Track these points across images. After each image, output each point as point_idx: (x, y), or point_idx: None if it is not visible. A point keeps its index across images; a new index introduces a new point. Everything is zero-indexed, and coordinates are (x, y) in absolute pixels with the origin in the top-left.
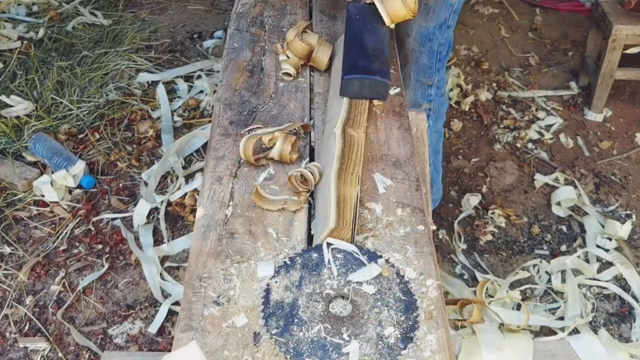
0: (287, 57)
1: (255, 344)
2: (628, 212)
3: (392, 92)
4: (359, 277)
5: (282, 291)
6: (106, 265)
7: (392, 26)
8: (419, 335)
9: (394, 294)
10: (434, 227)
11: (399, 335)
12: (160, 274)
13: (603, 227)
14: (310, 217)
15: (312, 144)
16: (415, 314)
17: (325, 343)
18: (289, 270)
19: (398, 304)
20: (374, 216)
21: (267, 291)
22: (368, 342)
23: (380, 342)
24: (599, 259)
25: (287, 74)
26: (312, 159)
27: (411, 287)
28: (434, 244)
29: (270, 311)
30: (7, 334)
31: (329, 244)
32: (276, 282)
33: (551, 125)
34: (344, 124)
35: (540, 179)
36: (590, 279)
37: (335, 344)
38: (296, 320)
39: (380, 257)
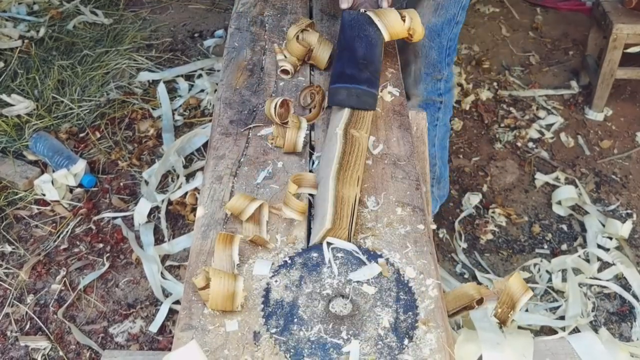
0: (285, 56)
1: (255, 343)
2: (629, 211)
3: (392, 91)
4: (359, 277)
5: (282, 290)
6: (107, 264)
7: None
8: (419, 334)
9: (393, 293)
10: (434, 227)
11: (398, 335)
12: (161, 273)
13: (604, 226)
14: (310, 216)
15: (313, 142)
16: (415, 313)
17: (325, 342)
18: (289, 270)
19: (398, 304)
20: (374, 215)
21: (267, 290)
22: (368, 341)
23: (380, 342)
24: (599, 258)
25: (284, 71)
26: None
27: (411, 287)
28: (434, 243)
29: (270, 310)
30: (8, 333)
31: (329, 244)
32: (276, 281)
33: (552, 125)
34: (347, 124)
35: (540, 178)
36: (590, 278)
37: (335, 343)
38: (296, 319)
39: (380, 256)
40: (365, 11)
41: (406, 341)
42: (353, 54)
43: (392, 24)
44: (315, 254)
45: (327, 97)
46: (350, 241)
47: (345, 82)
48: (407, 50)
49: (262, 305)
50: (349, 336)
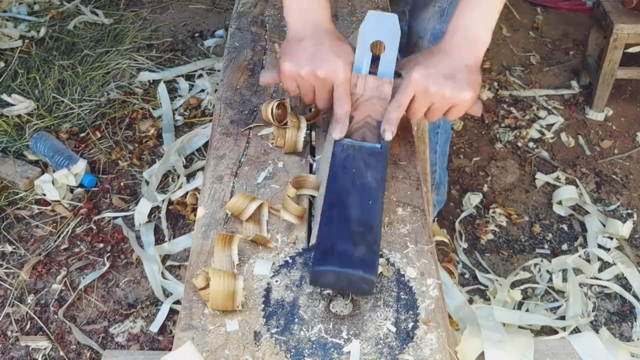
0: None
1: (255, 343)
2: (629, 211)
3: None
4: None
5: (283, 290)
6: (107, 264)
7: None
8: (419, 334)
9: (394, 293)
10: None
11: (399, 335)
12: (162, 273)
13: (604, 226)
14: (311, 216)
15: (313, 143)
16: (415, 313)
17: (325, 342)
18: (289, 270)
19: (398, 303)
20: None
21: (268, 290)
22: (368, 341)
23: (381, 342)
24: (600, 258)
25: None
26: (313, 157)
27: (412, 286)
28: (434, 243)
29: (271, 310)
30: (9, 333)
31: None
32: (277, 281)
33: (552, 125)
34: None
35: (541, 178)
36: (591, 278)
37: (336, 343)
38: (297, 319)
39: (381, 256)
40: (363, 143)
41: (407, 341)
42: (345, 216)
43: None
44: None
45: (310, 277)
46: None
47: (333, 264)
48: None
49: (263, 305)
50: (349, 336)
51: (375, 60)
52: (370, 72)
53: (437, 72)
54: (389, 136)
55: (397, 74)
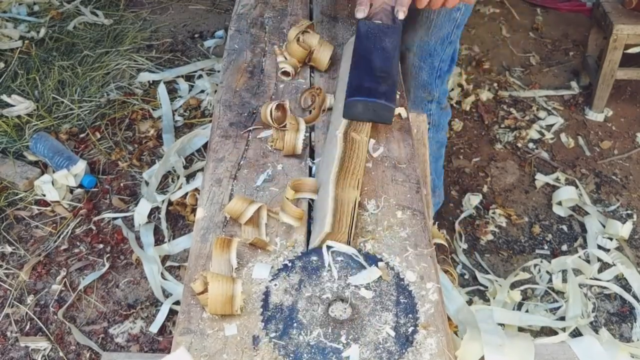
0: (285, 58)
1: (254, 348)
2: (629, 211)
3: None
4: (359, 280)
5: (282, 294)
6: (107, 265)
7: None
8: (419, 338)
9: (393, 297)
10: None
11: (398, 339)
12: (161, 274)
13: (604, 226)
14: (310, 219)
15: (313, 144)
16: (415, 318)
17: (324, 347)
18: (288, 273)
19: (398, 307)
20: (374, 219)
21: (267, 294)
22: (367, 345)
23: (380, 346)
24: (599, 259)
25: (285, 72)
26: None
27: (411, 290)
28: (434, 247)
29: (270, 314)
30: (8, 334)
31: (329, 247)
32: (275, 285)
33: (552, 125)
34: (347, 127)
35: (541, 179)
36: (591, 278)
37: (335, 347)
38: (295, 323)
39: (380, 260)
40: (381, 23)
41: (406, 346)
42: (370, 66)
43: None
44: (314, 258)
45: (343, 109)
46: (349, 245)
47: (363, 95)
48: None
49: (262, 309)
50: (348, 340)
51: None
52: None
53: None
54: (401, 15)
55: None
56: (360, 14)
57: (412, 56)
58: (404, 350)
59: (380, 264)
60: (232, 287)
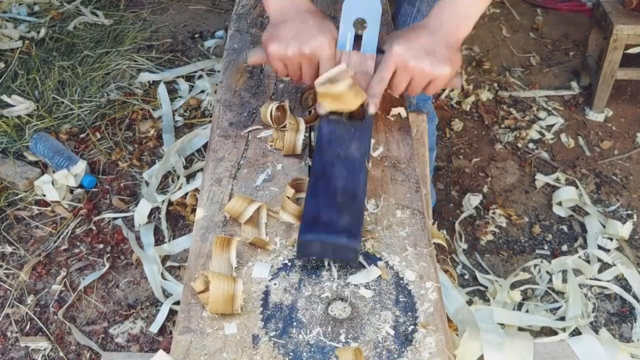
0: None
1: (254, 347)
2: (629, 212)
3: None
4: (359, 280)
5: (281, 293)
6: (107, 265)
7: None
8: (418, 337)
9: (393, 296)
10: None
11: (398, 338)
12: (162, 274)
13: (604, 227)
14: None
15: (312, 144)
16: (414, 317)
17: (324, 346)
18: (288, 273)
19: (397, 307)
20: (374, 218)
21: (266, 293)
22: (367, 344)
23: (379, 345)
24: (600, 259)
25: None
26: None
27: (410, 290)
28: (433, 246)
29: (269, 313)
30: (9, 334)
31: None
32: (275, 284)
33: (552, 125)
34: None
35: (541, 179)
36: (591, 279)
37: (334, 346)
38: (295, 322)
39: (380, 259)
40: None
41: (405, 344)
42: (330, 186)
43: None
44: (314, 257)
45: (297, 248)
46: None
47: (318, 232)
48: None
49: (261, 309)
50: (348, 339)
51: (358, 38)
52: (354, 49)
53: (418, 47)
54: (372, 109)
55: (380, 51)
56: (322, 109)
57: None
58: (403, 349)
59: (379, 263)
60: (233, 286)
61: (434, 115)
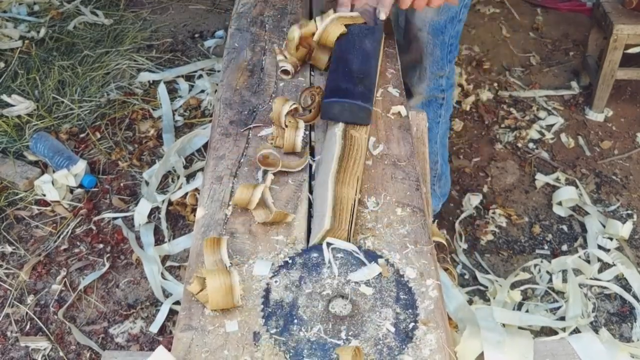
0: (285, 57)
1: (254, 344)
2: (629, 211)
3: (392, 91)
4: (359, 277)
5: (282, 291)
6: (107, 265)
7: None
8: (419, 335)
9: (393, 293)
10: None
11: (398, 335)
12: (162, 273)
13: (604, 226)
14: (310, 216)
15: (313, 143)
16: (414, 314)
17: (325, 343)
18: (289, 270)
19: (398, 304)
20: (374, 216)
21: (267, 291)
22: (367, 341)
23: (380, 342)
24: (600, 259)
25: (285, 71)
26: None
27: (411, 287)
28: (434, 244)
29: (270, 311)
30: (9, 333)
31: (329, 244)
32: (276, 281)
33: (552, 125)
34: (346, 125)
35: (541, 179)
36: (591, 278)
37: (335, 343)
38: (296, 319)
39: (380, 256)
40: (363, 23)
41: (406, 341)
42: (348, 67)
43: None
44: (315, 254)
45: (321, 110)
46: (349, 241)
47: (339, 97)
48: (413, 50)
49: (262, 306)
50: (348, 336)
51: None
52: None
53: None
54: (383, 15)
55: None
56: (342, 12)
57: (425, 35)
58: (403, 346)
59: (380, 260)
60: (230, 278)
61: (451, 106)
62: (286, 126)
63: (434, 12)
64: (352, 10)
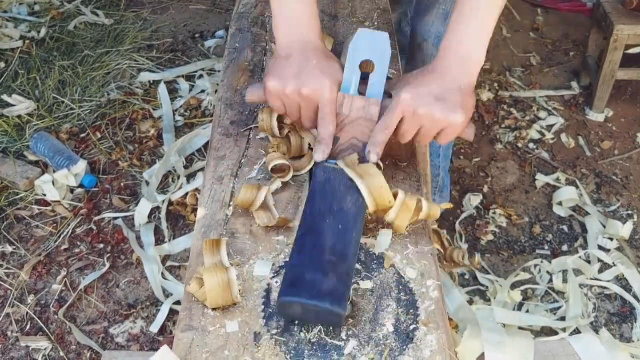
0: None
1: (255, 344)
2: (629, 212)
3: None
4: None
5: None
6: (108, 265)
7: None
8: (419, 335)
9: (394, 294)
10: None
11: (399, 336)
12: (162, 273)
13: (604, 227)
14: None
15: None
16: (415, 315)
17: (325, 344)
18: None
19: (398, 305)
20: (375, 216)
21: (268, 291)
22: (368, 342)
23: (381, 343)
24: (600, 259)
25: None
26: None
27: (412, 288)
28: (434, 244)
29: (271, 311)
30: (9, 333)
31: None
32: (277, 282)
33: (552, 125)
34: None
35: (541, 179)
36: (591, 279)
37: (336, 344)
38: (297, 320)
39: (381, 257)
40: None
41: (407, 342)
42: (319, 243)
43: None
44: None
45: (277, 307)
46: None
47: (300, 295)
48: (418, 59)
49: (263, 306)
50: (349, 337)
51: (365, 78)
52: (359, 92)
53: (428, 93)
54: (374, 158)
55: (388, 95)
56: (319, 155)
57: (429, 46)
58: (404, 347)
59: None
60: (227, 274)
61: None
62: (287, 135)
63: (440, 23)
64: (334, 146)
